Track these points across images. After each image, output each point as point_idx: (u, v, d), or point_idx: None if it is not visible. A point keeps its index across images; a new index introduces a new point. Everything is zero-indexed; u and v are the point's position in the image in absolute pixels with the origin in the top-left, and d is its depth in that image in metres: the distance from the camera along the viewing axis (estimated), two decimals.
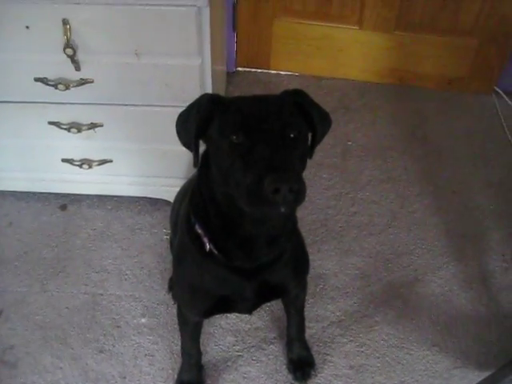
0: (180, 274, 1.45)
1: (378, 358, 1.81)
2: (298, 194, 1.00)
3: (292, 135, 1.08)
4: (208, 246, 1.26)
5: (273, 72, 2.77)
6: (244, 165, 1.04)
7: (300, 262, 1.48)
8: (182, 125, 1.20)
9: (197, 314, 1.53)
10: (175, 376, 1.74)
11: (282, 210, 1.01)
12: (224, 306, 1.42)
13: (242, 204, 1.05)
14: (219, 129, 1.11)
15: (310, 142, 1.19)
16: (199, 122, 1.14)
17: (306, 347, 1.79)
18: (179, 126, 1.21)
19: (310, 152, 1.19)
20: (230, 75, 2.71)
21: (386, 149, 2.44)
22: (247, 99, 1.15)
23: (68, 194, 2.18)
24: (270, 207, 1.01)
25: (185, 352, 1.70)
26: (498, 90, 2.70)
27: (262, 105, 1.12)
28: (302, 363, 1.77)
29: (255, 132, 1.05)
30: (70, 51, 1.58)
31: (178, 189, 2.01)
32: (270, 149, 1.03)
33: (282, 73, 2.76)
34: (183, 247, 1.38)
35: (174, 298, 1.87)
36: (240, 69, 2.77)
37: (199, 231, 1.26)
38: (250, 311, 1.47)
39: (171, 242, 1.80)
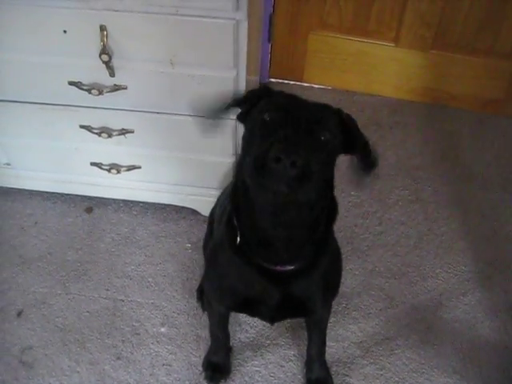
0: (211, 267, 1.46)
1: (398, 382, 1.78)
2: (303, 176, 0.99)
3: (322, 137, 1.07)
4: (238, 239, 1.26)
5: (306, 85, 2.75)
6: (263, 139, 1.05)
7: (332, 284, 1.45)
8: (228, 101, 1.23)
9: (223, 307, 1.55)
10: None
11: (282, 188, 1.00)
12: (249, 306, 1.42)
13: (246, 176, 1.06)
14: (259, 107, 1.14)
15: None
16: (247, 98, 1.20)
17: (325, 368, 1.76)
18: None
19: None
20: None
21: (416, 169, 2.41)
22: (293, 95, 1.17)
23: (94, 197, 2.18)
24: (270, 180, 1.00)
25: (212, 335, 1.72)
26: None
27: (305, 102, 1.14)
28: None
29: (288, 116, 1.07)
30: (105, 57, 1.58)
31: (205, 198, 2.02)
32: (293, 131, 1.03)
33: (314, 86, 2.75)
34: (219, 241, 1.38)
35: (204, 288, 1.83)
36: (273, 80, 2.76)
37: (235, 223, 1.26)
38: (271, 320, 1.47)
39: (204, 244, 1.84)
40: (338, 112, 1.17)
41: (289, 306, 1.38)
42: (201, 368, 1.78)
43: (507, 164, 2.47)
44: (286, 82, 2.76)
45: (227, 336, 1.75)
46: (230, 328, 1.83)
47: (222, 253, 1.36)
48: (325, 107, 1.15)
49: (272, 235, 1.20)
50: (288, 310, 1.43)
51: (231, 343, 1.82)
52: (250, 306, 1.41)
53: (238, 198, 1.22)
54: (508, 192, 2.35)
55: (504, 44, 2.44)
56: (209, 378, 1.76)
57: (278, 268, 1.26)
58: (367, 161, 1.21)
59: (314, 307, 1.45)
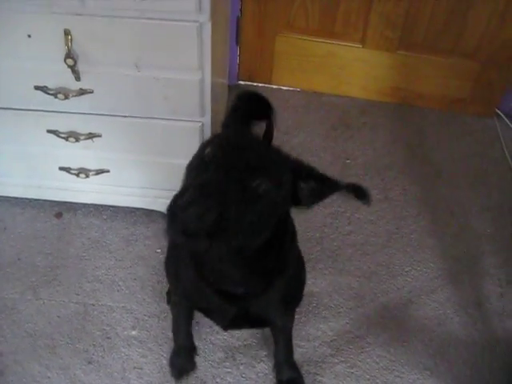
0: (170, 266, 1.45)
1: (369, 379, 1.80)
2: (210, 230, 0.90)
3: (262, 188, 0.98)
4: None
5: (274, 87, 2.76)
6: (191, 180, 1.01)
7: (292, 296, 1.43)
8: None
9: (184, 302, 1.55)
10: None
11: (185, 238, 0.92)
12: (203, 310, 1.43)
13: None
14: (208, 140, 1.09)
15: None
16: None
17: (295, 368, 1.77)
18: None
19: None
20: (232, 88, 2.70)
21: (384, 168, 2.43)
22: (249, 135, 1.12)
23: (64, 202, 2.17)
24: (175, 227, 0.92)
25: (174, 333, 1.73)
26: (499, 112, 2.69)
27: (259, 147, 1.07)
28: None
29: (229, 158, 0.99)
30: (70, 61, 1.57)
31: None
32: (225, 177, 0.96)
33: (283, 88, 2.76)
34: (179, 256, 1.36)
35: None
36: (241, 82, 2.77)
37: None
38: (225, 329, 1.48)
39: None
40: (294, 165, 1.10)
41: (245, 320, 1.38)
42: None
43: (473, 162, 2.51)
44: (255, 84, 2.77)
45: (189, 337, 1.75)
46: (201, 330, 1.84)
47: (183, 259, 1.33)
48: (278, 157, 1.08)
49: (215, 264, 1.17)
50: (244, 324, 1.44)
51: (202, 345, 1.83)
52: (205, 310, 1.42)
53: None
54: (475, 189, 2.39)
55: (467, 44, 2.47)
56: (175, 376, 1.76)
57: (231, 289, 1.24)
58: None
59: (274, 320, 1.45)
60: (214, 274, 1.21)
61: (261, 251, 1.13)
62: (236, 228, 0.95)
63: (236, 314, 1.32)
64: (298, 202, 1.11)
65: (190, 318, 1.70)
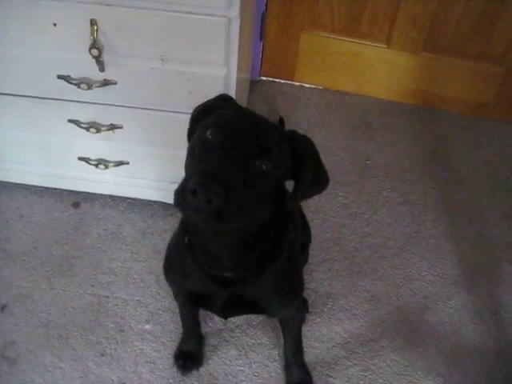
0: (167, 257, 1.46)
1: None
2: (219, 211, 0.94)
3: (264, 166, 1.02)
4: (186, 239, 1.27)
5: (296, 84, 2.75)
6: (198, 161, 1.03)
7: (286, 287, 1.41)
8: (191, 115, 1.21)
9: (180, 296, 1.56)
10: None
11: (199, 219, 0.97)
12: (200, 300, 1.43)
13: (173, 199, 1.01)
14: (205, 122, 1.10)
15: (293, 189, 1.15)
16: (200, 111, 1.17)
17: (304, 370, 1.76)
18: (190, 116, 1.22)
19: (290, 202, 1.17)
20: (254, 84, 2.69)
21: (405, 171, 2.41)
22: (248, 113, 1.12)
23: (82, 192, 2.17)
24: (189, 210, 0.96)
25: (182, 322, 1.73)
26: None
27: (255, 124, 1.08)
28: None
29: (230, 140, 1.02)
30: (95, 52, 1.56)
31: None
32: (228, 158, 0.99)
33: (305, 85, 2.74)
34: (176, 235, 1.39)
35: None
36: (264, 78, 2.76)
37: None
38: (224, 316, 1.48)
39: None
40: (290, 137, 1.13)
41: (239, 305, 1.38)
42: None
43: (495, 168, 2.48)
44: (277, 80, 2.76)
45: (197, 325, 1.76)
46: (214, 326, 1.84)
47: (176, 247, 1.37)
48: (275, 132, 1.10)
49: (211, 246, 1.20)
50: (239, 309, 1.44)
51: (215, 342, 1.83)
52: (201, 300, 1.42)
53: None
54: (496, 197, 2.36)
55: (494, 49, 2.44)
56: (181, 367, 1.77)
57: (221, 273, 1.26)
58: (309, 191, 1.17)
59: (268, 308, 1.44)
60: (208, 258, 1.24)
61: (256, 234, 1.18)
62: (241, 205, 0.99)
63: (228, 299, 1.33)
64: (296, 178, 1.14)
65: (195, 308, 1.70)
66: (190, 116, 1.21)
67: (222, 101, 1.18)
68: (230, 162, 0.99)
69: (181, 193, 0.96)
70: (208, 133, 1.04)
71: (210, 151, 1.01)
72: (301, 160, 1.12)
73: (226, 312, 1.43)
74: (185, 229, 1.29)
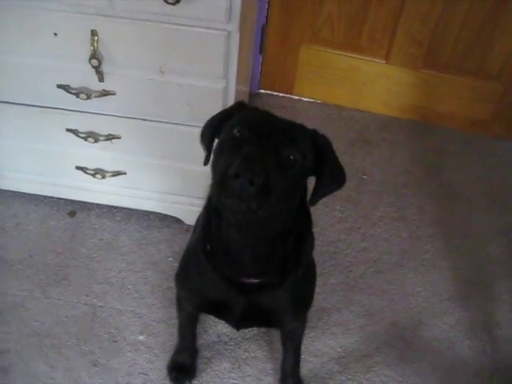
0: (183, 267, 1.48)
1: None
2: (262, 193, 1.00)
3: (291, 156, 1.08)
4: (208, 247, 1.29)
5: (295, 97, 2.75)
6: (230, 155, 1.05)
7: (302, 298, 1.45)
8: (206, 125, 1.25)
9: (191, 306, 1.57)
10: None
11: (240, 204, 1.01)
12: (215, 309, 1.44)
13: (212, 192, 1.08)
14: (230, 123, 1.15)
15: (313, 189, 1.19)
16: (220, 119, 1.21)
17: (300, 383, 1.76)
18: (205, 126, 1.26)
19: (312, 198, 1.20)
20: (252, 96, 2.70)
21: (401, 186, 2.41)
22: (267, 112, 1.18)
23: (78, 202, 2.16)
24: (230, 197, 1.01)
25: (180, 334, 1.74)
26: None
27: (278, 119, 1.16)
28: None
29: (257, 133, 1.08)
30: (95, 62, 1.57)
31: (189, 207, 2.01)
32: (259, 148, 1.05)
33: (304, 99, 2.75)
34: (194, 244, 1.40)
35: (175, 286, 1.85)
36: (262, 91, 2.76)
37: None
38: (237, 326, 1.48)
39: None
40: (312, 133, 1.18)
41: (255, 315, 1.39)
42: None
43: (492, 185, 2.48)
44: (276, 93, 2.76)
45: (194, 337, 1.76)
46: (208, 338, 1.83)
47: (195, 255, 1.37)
48: (298, 127, 1.17)
49: (236, 249, 1.22)
50: (254, 319, 1.44)
51: (209, 354, 1.82)
52: (217, 309, 1.43)
53: (210, 208, 1.25)
54: (492, 213, 2.36)
55: (492, 66, 2.46)
56: (174, 379, 1.76)
57: (243, 280, 1.28)
58: (329, 188, 1.22)
59: (283, 320, 1.46)
60: (230, 264, 1.26)
61: (280, 236, 1.22)
62: (277, 191, 1.04)
63: (246, 308, 1.35)
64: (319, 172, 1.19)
65: (196, 320, 1.71)
66: (197, 128, 1.25)
67: (240, 107, 1.22)
68: (263, 151, 1.05)
69: (220, 183, 1.02)
70: (235, 130, 1.11)
71: (239, 146, 1.06)
72: (321, 156, 1.16)
73: (241, 322, 1.44)
74: (206, 237, 1.30)
